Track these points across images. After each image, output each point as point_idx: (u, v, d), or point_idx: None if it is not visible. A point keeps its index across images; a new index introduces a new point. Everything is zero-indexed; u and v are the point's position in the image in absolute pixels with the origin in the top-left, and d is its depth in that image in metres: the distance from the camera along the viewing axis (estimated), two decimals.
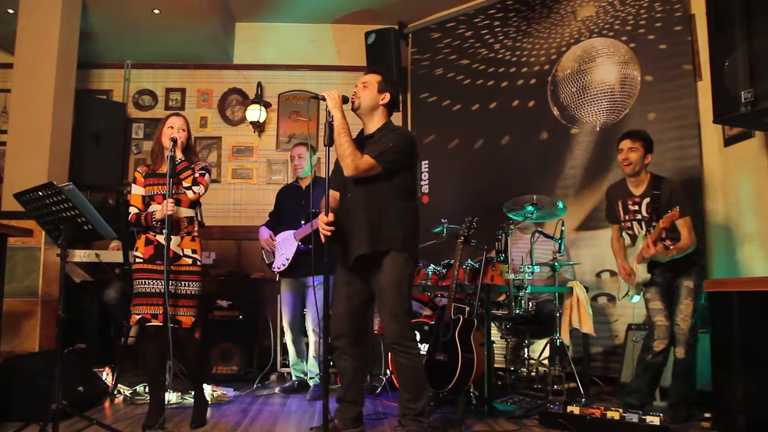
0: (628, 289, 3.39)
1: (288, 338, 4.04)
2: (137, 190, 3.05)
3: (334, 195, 2.82)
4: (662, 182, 3.27)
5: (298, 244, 3.84)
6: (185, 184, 2.95)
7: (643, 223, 3.29)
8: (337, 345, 2.77)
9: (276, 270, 3.96)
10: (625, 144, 3.28)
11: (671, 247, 3.16)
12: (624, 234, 3.44)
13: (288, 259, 3.87)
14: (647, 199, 3.26)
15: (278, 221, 4.07)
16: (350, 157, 2.59)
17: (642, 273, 3.25)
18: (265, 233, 4.02)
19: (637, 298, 3.40)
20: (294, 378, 4.07)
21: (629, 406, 3.10)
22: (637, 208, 3.31)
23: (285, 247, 3.92)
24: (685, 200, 3.18)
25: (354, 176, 2.62)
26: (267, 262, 4.05)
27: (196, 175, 2.99)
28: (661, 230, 3.11)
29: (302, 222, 3.85)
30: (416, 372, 2.68)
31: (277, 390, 3.96)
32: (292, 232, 3.89)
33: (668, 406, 3.23)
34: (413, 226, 2.76)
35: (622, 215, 3.39)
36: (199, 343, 2.73)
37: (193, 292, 3.00)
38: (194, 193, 2.98)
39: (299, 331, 4.03)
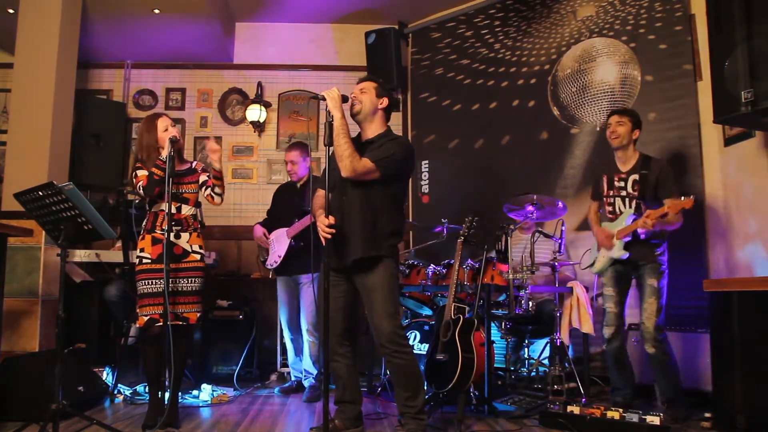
0: (594, 261, 3.45)
1: (286, 337, 4.10)
2: (144, 172, 2.94)
3: (323, 194, 2.82)
4: (650, 162, 3.31)
5: (290, 242, 3.90)
6: (208, 183, 3.07)
7: (627, 200, 3.32)
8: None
9: (269, 267, 4.03)
10: (613, 119, 3.38)
11: (659, 216, 3.07)
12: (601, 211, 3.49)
13: (280, 257, 3.94)
14: (634, 176, 3.30)
15: (274, 220, 4.16)
16: (348, 159, 2.60)
17: (618, 249, 3.28)
18: (258, 231, 4.11)
19: (595, 272, 3.47)
20: (293, 378, 4.11)
21: (618, 405, 3.15)
22: (622, 184, 3.34)
23: (278, 244, 4.00)
24: (673, 180, 3.26)
25: (351, 177, 2.64)
26: (261, 259, 4.13)
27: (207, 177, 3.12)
28: (662, 214, 3.05)
29: (295, 220, 3.92)
30: (412, 370, 2.68)
31: (276, 391, 3.99)
32: (286, 229, 3.97)
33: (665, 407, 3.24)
34: (400, 236, 2.81)
35: (605, 190, 3.42)
36: (191, 346, 2.75)
37: (196, 288, 3.01)
38: (222, 199, 3.10)
39: (297, 330, 4.03)
